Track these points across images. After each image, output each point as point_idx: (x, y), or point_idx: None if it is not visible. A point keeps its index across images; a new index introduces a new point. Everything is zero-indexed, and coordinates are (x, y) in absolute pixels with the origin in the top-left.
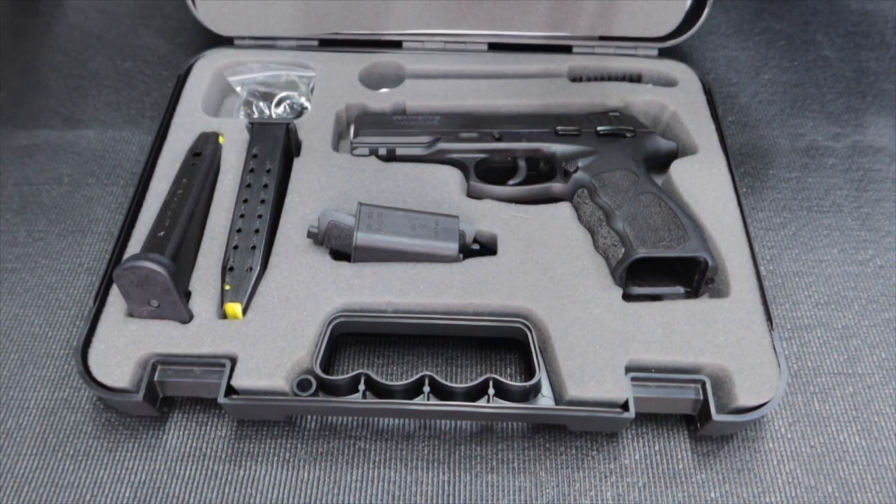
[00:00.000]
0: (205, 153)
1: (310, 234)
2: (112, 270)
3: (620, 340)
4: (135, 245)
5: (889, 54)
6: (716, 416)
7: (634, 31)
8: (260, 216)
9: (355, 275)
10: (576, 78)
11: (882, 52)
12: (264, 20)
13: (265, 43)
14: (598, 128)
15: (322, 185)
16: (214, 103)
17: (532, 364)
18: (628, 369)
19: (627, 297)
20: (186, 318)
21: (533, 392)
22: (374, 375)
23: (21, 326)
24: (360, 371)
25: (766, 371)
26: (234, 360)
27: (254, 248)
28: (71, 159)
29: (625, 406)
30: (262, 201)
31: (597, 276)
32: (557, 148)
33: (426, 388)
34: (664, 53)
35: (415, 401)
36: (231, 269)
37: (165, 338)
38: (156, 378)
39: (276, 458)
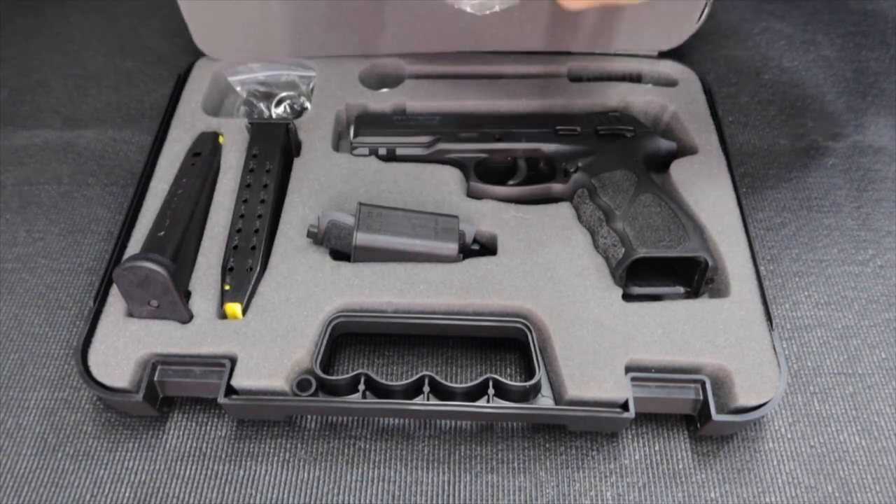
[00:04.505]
0: (205, 153)
1: (310, 234)
2: (112, 270)
3: (620, 340)
4: (135, 245)
5: (889, 54)
6: (716, 416)
7: (636, 47)
8: (260, 216)
9: (355, 275)
10: (576, 78)
11: (882, 52)
12: (257, 43)
13: None
14: (598, 128)
15: (322, 185)
16: (214, 103)
17: (532, 364)
18: (628, 369)
19: (627, 297)
20: (186, 318)
21: (533, 392)
22: (373, 375)
23: (21, 326)
24: (359, 371)
25: (766, 371)
26: (234, 361)
27: (254, 248)
28: (71, 159)
29: (625, 406)
30: (262, 201)
31: (597, 276)
32: (557, 148)
33: (426, 388)
34: (664, 53)
35: (415, 401)
36: (231, 269)
37: (165, 338)
38: (156, 378)
39: (276, 458)
